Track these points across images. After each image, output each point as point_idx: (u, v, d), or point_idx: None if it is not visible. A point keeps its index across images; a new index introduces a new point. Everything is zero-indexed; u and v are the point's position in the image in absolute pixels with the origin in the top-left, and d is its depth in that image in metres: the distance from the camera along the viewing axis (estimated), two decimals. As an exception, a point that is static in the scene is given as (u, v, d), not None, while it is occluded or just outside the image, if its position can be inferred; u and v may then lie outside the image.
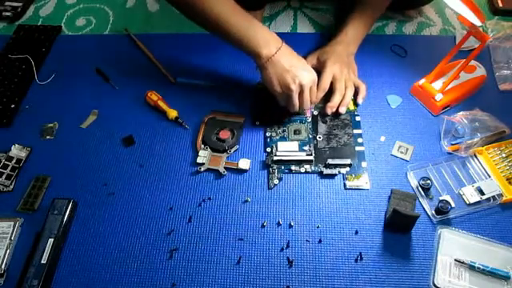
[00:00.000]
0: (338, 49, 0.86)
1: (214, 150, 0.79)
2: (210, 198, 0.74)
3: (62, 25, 1.05)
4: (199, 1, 0.72)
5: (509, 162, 0.74)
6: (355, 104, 0.84)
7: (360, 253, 0.67)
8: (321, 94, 0.82)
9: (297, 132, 0.81)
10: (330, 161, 0.76)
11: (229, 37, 0.74)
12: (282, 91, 0.75)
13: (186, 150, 0.80)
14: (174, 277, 0.66)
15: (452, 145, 0.77)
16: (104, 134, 0.83)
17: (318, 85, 0.80)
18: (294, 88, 0.73)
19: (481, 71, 0.84)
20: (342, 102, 0.82)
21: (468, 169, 0.75)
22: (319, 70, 0.83)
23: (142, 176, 0.77)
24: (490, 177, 0.73)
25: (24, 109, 0.88)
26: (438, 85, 0.82)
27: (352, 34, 0.88)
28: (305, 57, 0.88)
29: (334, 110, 0.82)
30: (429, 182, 0.72)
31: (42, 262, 0.66)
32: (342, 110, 0.82)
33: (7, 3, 1.07)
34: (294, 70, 0.73)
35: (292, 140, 0.80)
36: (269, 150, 0.79)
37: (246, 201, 0.73)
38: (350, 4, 0.91)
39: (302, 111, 0.82)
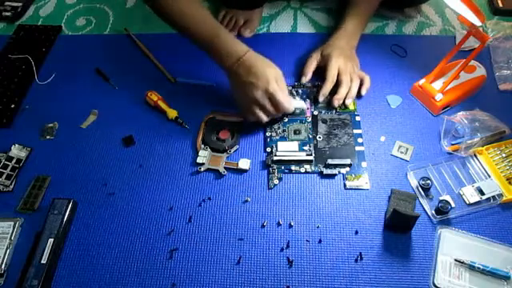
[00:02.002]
0: (340, 43, 0.87)
1: (213, 150, 0.79)
2: (209, 198, 0.74)
3: (62, 25, 1.05)
4: (169, 6, 0.74)
5: (509, 162, 0.74)
6: (359, 96, 0.85)
7: (360, 253, 0.67)
8: (330, 86, 0.83)
9: (297, 132, 0.81)
10: (329, 161, 0.76)
11: (197, 46, 0.76)
12: (249, 105, 0.74)
13: (186, 150, 0.80)
14: (173, 277, 0.66)
15: (452, 145, 0.77)
16: (104, 134, 0.83)
17: (325, 77, 0.82)
18: (260, 94, 0.72)
19: (481, 71, 0.84)
20: (348, 94, 0.83)
21: (468, 169, 0.75)
22: (324, 64, 0.85)
23: (142, 176, 0.77)
24: (489, 177, 0.73)
25: (24, 109, 0.88)
26: (437, 85, 0.82)
27: (351, 29, 0.89)
28: (307, 55, 0.89)
29: (341, 101, 0.83)
30: (429, 182, 0.72)
31: (42, 262, 0.66)
32: (349, 101, 0.83)
33: (7, 3, 1.07)
34: (253, 77, 0.71)
35: (292, 140, 0.80)
36: (269, 149, 0.79)
37: (246, 201, 0.73)
38: (347, 0, 0.92)
39: (302, 112, 0.83)
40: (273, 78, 0.72)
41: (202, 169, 0.77)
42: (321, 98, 0.83)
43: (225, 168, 0.77)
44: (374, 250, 0.68)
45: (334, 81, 0.83)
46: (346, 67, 0.83)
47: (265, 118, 0.76)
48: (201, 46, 0.76)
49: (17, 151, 0.80)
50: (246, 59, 0.73)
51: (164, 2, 0.75)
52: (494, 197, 0.70)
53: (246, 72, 0.72)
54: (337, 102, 0.82)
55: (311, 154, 0.77)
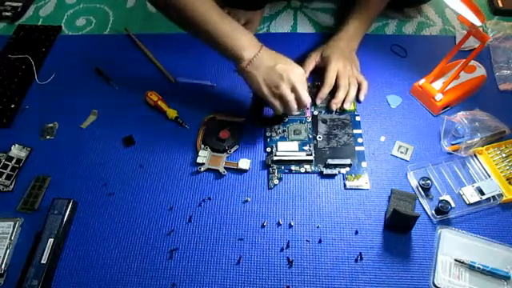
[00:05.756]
0: (340, 45, 0.87)
1: (213, 150, 0.79)
2: (209, 198, 0.74)
3: (62, 25, 1.05)
4: (181, 3, 0.70)
5: (509, 162, 0.74)
6: (357, 100, 0.85)
7: (360, 253, 0.67)
8: (327, 90, 0.83)
9: (297, 132, 0.81)
10: (329, 161, 0.76)
11: (210, 40, 0.72)
12: (272, 93, 0.72)
13: (186, 150, 0.80)
14: (173, 277, 0.66)
15: (452, 145, 0.77)
16: (104, 134, 0.83)
17: (323, 80, 0.83)
18: (284, 85, 0.70)
19: (481, 71, 0.84)
20: (346, 98, 0.83)
21: (468, 169, 0.75)
22: (323, 66, 0.85)
23: (142, 176, 0.77)
24: (489, 177, 0.73)
25: (24, 109, 0.88)
26: (437, 85, 0.82)
27: (353, 31, 0.89)
28: (307, 55, 0.89)
29: (339, 105, 0.83)
30: (429, 182, 0.72)
31: (42, 262, 0.66)
32: (347, 105, 0.83)
33: (7, 3, 1.07)
34: (280, 67, 0.70)
35: (292, 140, 0.80)
36: (269, 149, 0.79)
37: (246, 201, 0.73)
38: (351, 1, 0.92)
39: (302, 112, 0.83)
40: (300, 76, 0.73)
41: (202, 169, 0.77)
42: (318, 101, 0.84)
43: (225, 168, 0.77)
44: (374, 250, 0.68)
45: (332, 84, 0.83)
46: (344, 70, 0.83)
47: (295, 106, 0.73)
48: (215, 38, 0.71)
49: (17, 151, 0.80)
50: (265, 50, 0.72)
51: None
52: (493, 197, 0.70)
53: (271, 58, 0.71)
54: (334, 105, 0.83)
55: (311, 154, 0.77)
